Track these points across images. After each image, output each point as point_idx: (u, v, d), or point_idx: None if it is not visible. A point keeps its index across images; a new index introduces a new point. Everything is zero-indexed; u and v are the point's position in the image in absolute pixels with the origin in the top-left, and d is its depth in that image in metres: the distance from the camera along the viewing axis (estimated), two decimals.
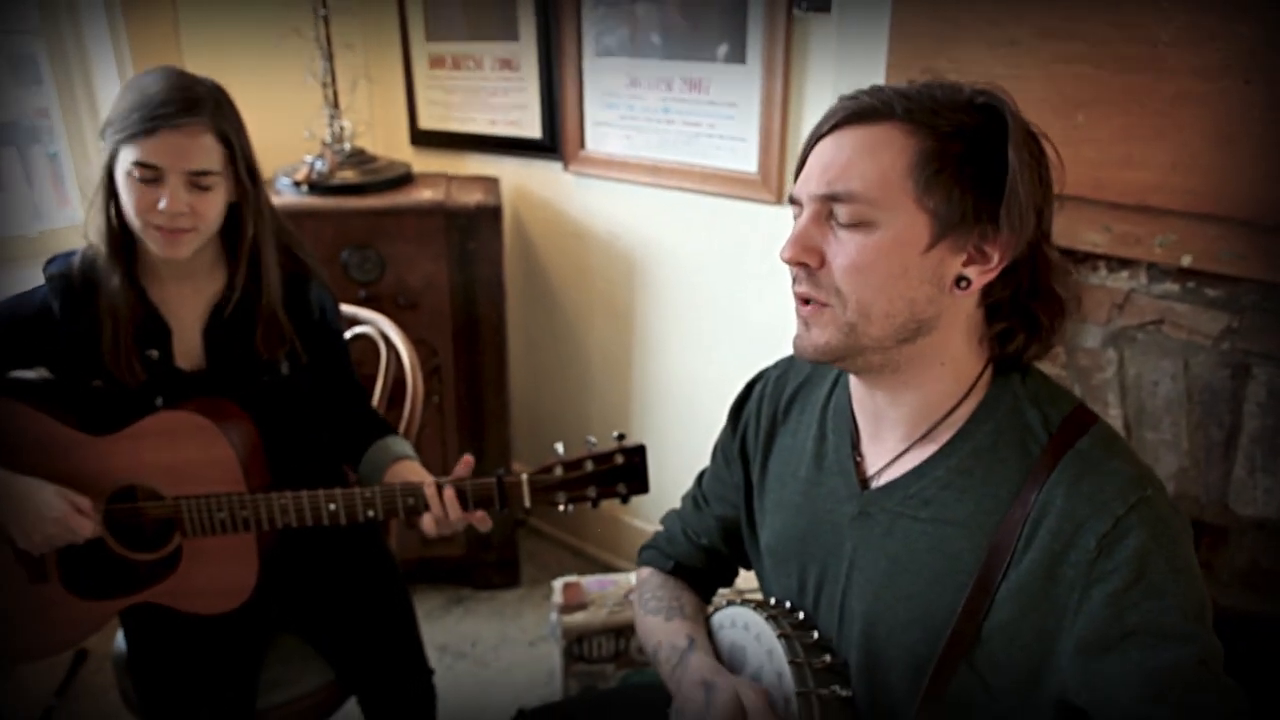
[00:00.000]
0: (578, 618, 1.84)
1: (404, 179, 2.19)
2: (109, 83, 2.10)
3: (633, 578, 1.93)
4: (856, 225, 0.81)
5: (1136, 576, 0.75)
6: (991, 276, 0.83)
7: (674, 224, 2.11)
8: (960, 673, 0.83)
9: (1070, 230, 1.31)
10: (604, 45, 2.06)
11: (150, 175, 1.22)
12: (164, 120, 1.20)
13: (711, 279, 2.09)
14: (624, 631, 1.84)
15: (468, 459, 1.31)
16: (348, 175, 2.11)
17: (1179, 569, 0.76)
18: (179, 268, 1.34)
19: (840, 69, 1.49)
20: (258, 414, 1.37)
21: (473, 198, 2.10)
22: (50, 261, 1.34)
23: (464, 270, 2.10)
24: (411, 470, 1.41)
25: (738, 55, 1.85)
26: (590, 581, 1.93)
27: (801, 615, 0.97)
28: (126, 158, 1.22)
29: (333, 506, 1.30)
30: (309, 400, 1.45)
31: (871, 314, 0.82)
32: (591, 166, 2.19)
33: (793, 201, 0.87)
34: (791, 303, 0.88)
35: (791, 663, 0.90)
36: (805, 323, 0.86)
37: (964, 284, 0.82)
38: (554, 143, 2.24)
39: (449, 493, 1.27)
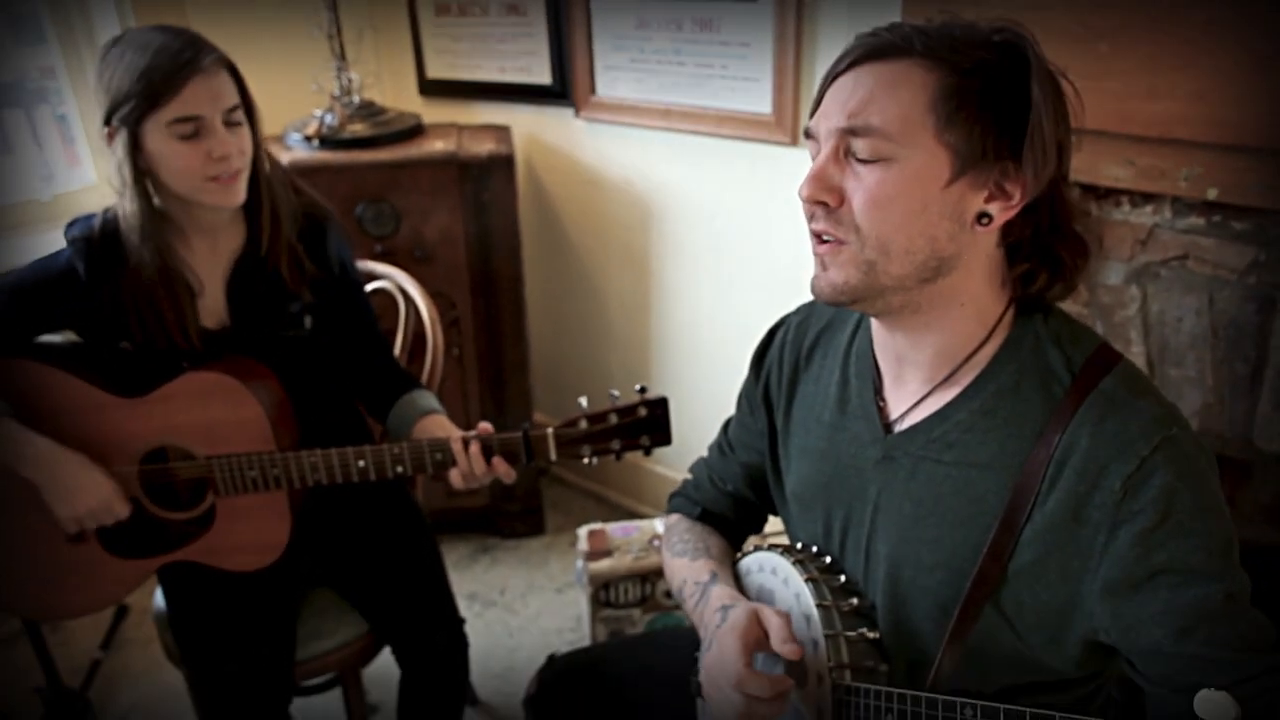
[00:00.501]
0: (603, 564, 1.87)
1: (415, 130, 2.17)
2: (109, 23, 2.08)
3: (657, 524, 1.97)
4: (876, 160, 0.79)
5: (1163, 516, 0.75)
6: (1013, 213, 0.81)
7: (689, 168, 2.09)
8: (986, 614, 0.84)
9: (1092, 165, 1.28)
10: None
11: (190, 129, 1.21)
12: (190, 67, 1.19)
13: (729, 223, 2.07)
14: (649, 577, 1.87)
15: (486, 425, 1.32)
16: (358, 128, 2.09)
17: (1205, 507, 0.76)
18: (202, 225, 1.34)
19: (854, 3, 1.45)
20: (283, 372, 1.39)
21: (485, 147, 2.08)
22: (71, 224, 1.35)
23: (479, 221, 2.09)
24: (439, 425, 1.43)
25: None
26: (615, 528, 1.96)
27: (828, 559, 0.98)
28: (160, 121, 1.20)
29: (362, 463, 1.31)
30: (333, 356, 1.47)
31: (891, 251, 0.81)
32: (603, 112, 2.17)
33: (808, 136, 0.85)
34: (808, 248, 0.87)
35: (819, 605, 0.91)
36: (822, 262, 0.85)
37: (985, 220, 0.81)
38: (564, 89, 2.21)
39: (475, 447, 1.29)
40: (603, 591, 1.87)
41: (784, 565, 0.99)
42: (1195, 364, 1.33)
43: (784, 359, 1.06)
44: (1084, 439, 0.79)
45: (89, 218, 1.35)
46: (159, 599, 1.52)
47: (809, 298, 0.94)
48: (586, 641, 2.05)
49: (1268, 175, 1.15)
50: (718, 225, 2.10)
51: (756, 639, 0.88)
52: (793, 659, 0.86)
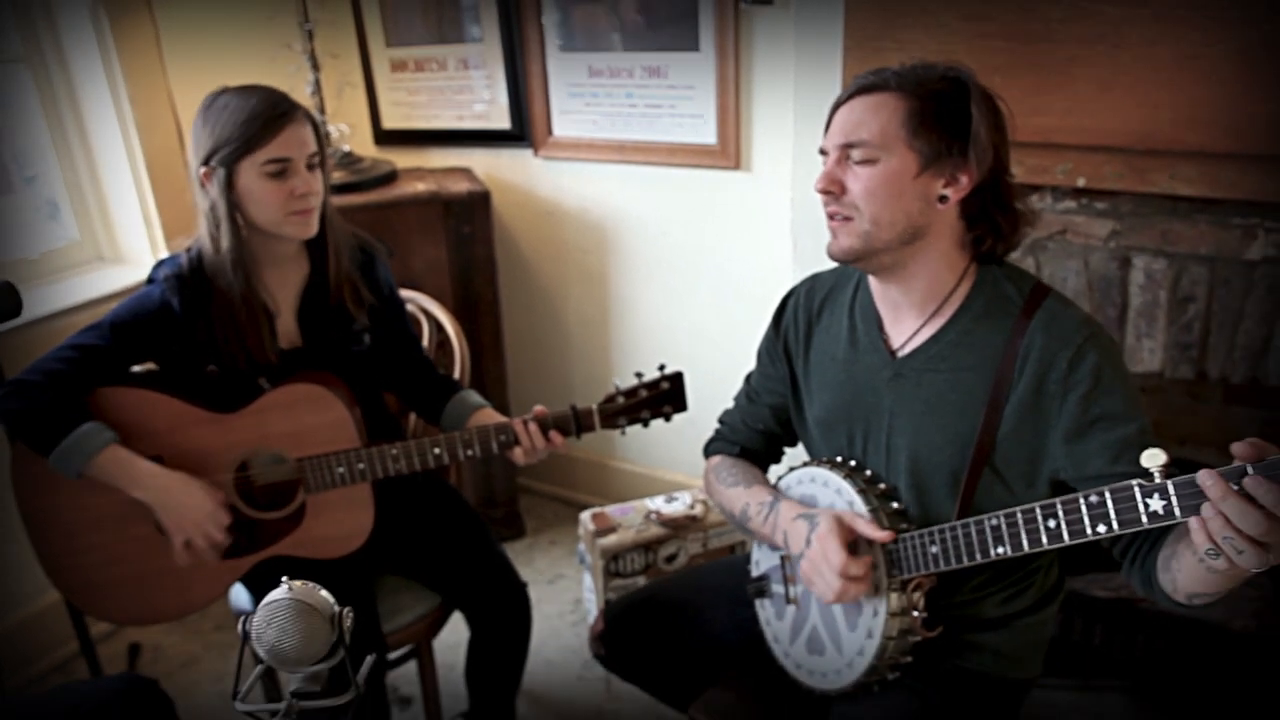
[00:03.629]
0: (611, 539, 2.14)
1: (391, 175, 2.41)
2: (102, 106, 2.22)
3: (648, 502, 2.25)
4: (866, 162, 1.15)
5: (1095, 381, 1.11)
6: (964, 194, 1.16)
7: (642, 195, 2.41)
8: (984, 476, 1.18)
9: None
10: (565, 41, 2.33)
11: (280, 168, 1.43)
12: (286, 117, 1.42)
13: (679, 240, 2.40)
14: (650, 546, 2.15)
15: (541, 407, 1.58)
16: (342, 176, 2.31)
17: (1122, 375, 1.14)
18: (275, 257, 1.55)
19: (800, 48, 1.82)
20: (350, 384, 1.60)
21: (462, 186, 2.34)
22: (159, 265, 1.53)
23: (461, 252, 2.34)
24: (489, 415, 1.68)
25: (691, 44, 2.16)
26: (613, 509, 2.23)
27: (853, 462, 1.31)
28: (255, 162, 1.42)
29: (438, 450, 1.54)
30: (386, 368, 1.69)
31: (880, 223, 1.15)
32: (560, 150, 2.47)
33: (821, 152, 1.20)
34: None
35: (859, 491, 1.24)
36: (834, 233, 1.20)
37: (943, 200, 1.16)
38: (523, 131, 2.50)
39: (534, 426, 1.54)
40: (612, 563, 2.13)
41: (822, 472, 1.31)
42: None
43: (798, 318, 1.39)
44: (1038, 338, 1.14)
45: (175, 258, 1.53)
46: (235, 599, 1.68)
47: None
48: (589, 621, 2.29)
49: (1118, 166, 1.58)
50: (668, 243, 2.42)
51: (848, 535, 1.19)
52: (886, 542, 1.18)
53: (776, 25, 2.02)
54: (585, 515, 2.22)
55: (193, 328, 1.51)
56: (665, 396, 1.58)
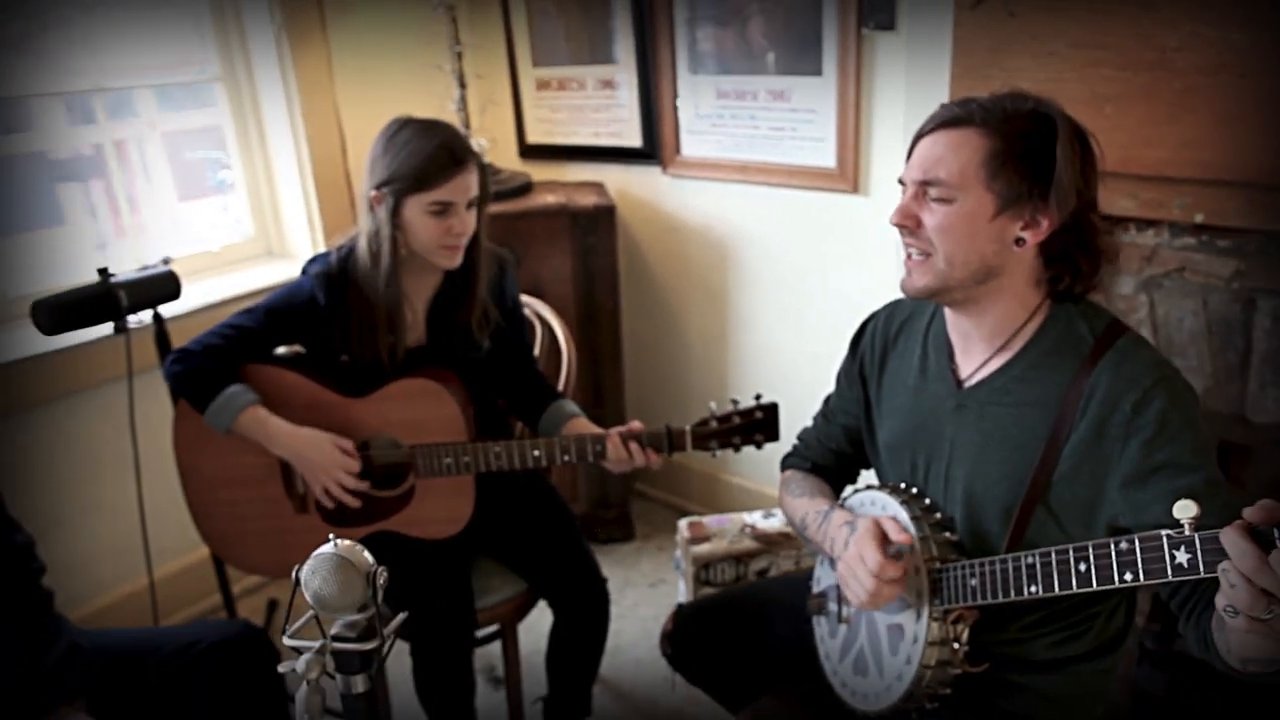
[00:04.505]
0: (704, 548, 2.19)
1: (526, 187, 2.57)
2: (279, 119, 2.50)
3: (745, 516, 2.29)
4: (942, 200, 1.15)
5: (1160, 428, 1.07)
6: (1042, 238, 1.14)
7: (762, 215, 2.46)
8: (1037, 514, 1.16)
9: (1105, 199, 1.60)
10: (695, 64, 2.42)
11: (442, 209, 1.58)
12: (455, 167, 1.57)
13: (796, 260, 2.44)
14: (742, 558, 2.19)
15: (638, 424, 1.66)
16: None
17: (1189, 423, 1.09)
18: (417, 270, 1.70)
19: (910, 76, 1.83)
20: (464, 382, 1.75)
21: (589, 200, 2.47)
22: (312, 261, 1.72)
23: (585, 262, 2.47)
24: (583, 425, 1.78)
25: (814, 69, 2.20)
26: (710, 519, 2.29)
27: (914, 490, 1.31)
28: (422, 200, 1.57)
29: (537, 453, 1.65)
30: (499, 372, 1.83)
31: (955, 262, 1.15)
32: (687, 169, 2.56)
33: (900, 182, 1.21)
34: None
35: (913, 518, 1.24)
36: (909, 270, 1.20)
37: (1020, 243, 1.14)
38: (653, 149, 2.60)
39: (633, 443, 1.63)
40: (703, 571, 2.19)
41: (882, 496, 1.32)
42: (1195, 356, 1.66)
43: (875, 344, 1.40)
44: (1104, 379, 1.12)
45: (325, 255, 1.72)
46: None
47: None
48: None
49: (1240, 203, 1.49)
50: (787, 262, 2.46)
51: (881, 537, 1.20)
52: (906, 544, 1.19)
53: (896, 51, 2.03)
54: (683, 523, 2.28)
55: (332, 321, 1.69)
56: (758, 425, 1.64)
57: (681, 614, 1.62)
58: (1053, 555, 1.03)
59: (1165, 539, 0.90)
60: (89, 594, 2.30)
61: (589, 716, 1.99)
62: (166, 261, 1.85)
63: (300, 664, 0.89)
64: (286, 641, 0.93)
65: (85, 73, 2.29)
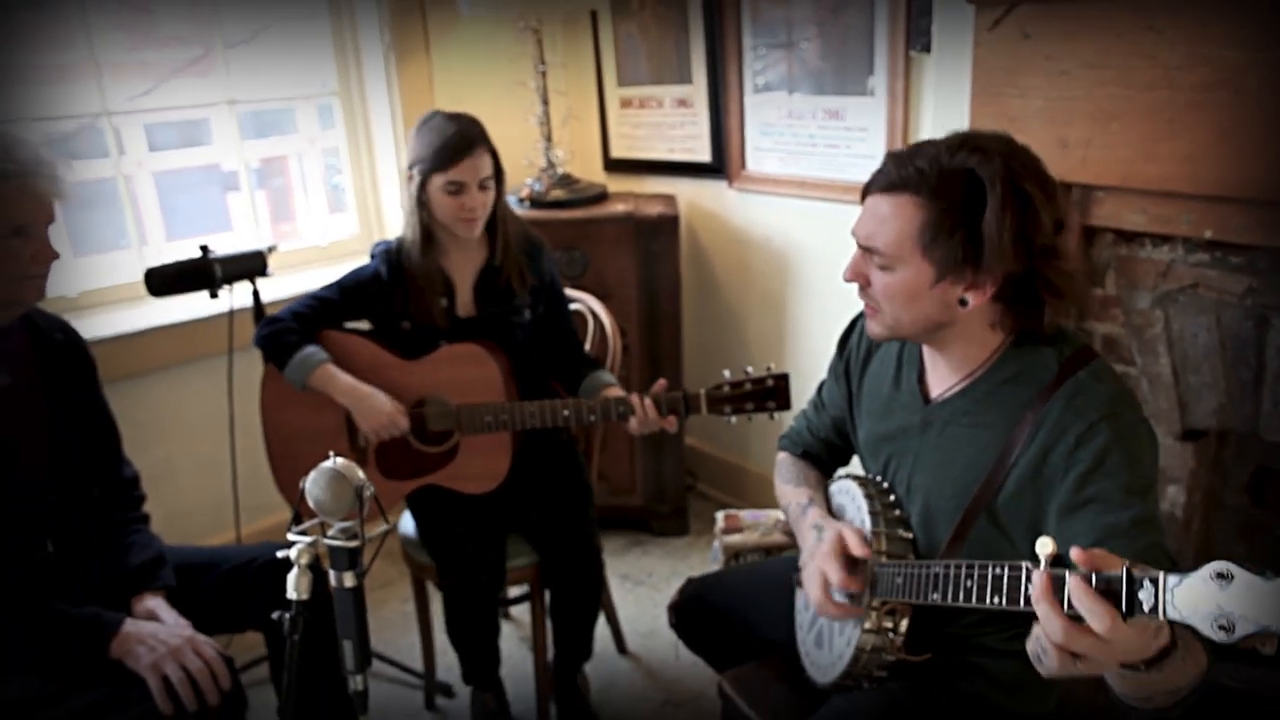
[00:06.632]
0: (735, 538, 2.31)
1: (601, 196, 2.77)
2: (384, 128, 2.79)
3: (779, 513, 2.38)
4: (883, 267, 1.18)
5: (1096, 464, 1.09)
6: (986, 299, 1.15)
7: (821, 229, 2.56)
8: (981, 525, 1.21)
9: (1116, 214, 1.68)
10: (760, 84, 2.56)
11: (456, 188, 1.83)
12: (465, 151, 1.81)
13: None
14: (772, 551, 2.29)
15: (663, 381, 1.81)
16: (558, 194, 2.71)
17: (1128, 461, 1.08)
18: (461, 244, 1.93)
19: (938, 94, 1.91)
20: (508, 349, 1.95)
21: (655, 210, 2.64)
22: (378, 244, 1.98)
23: (648, 268, 2.64)
24: (616, 392, 1.94)
25: (866, 89, 2.30)
26: (746, 513, 2.40)
27: (885, 485, 1.39)
28: (439, 180, 1.82)
29: (566, 412, 1.83)
30: (542, 341, 2.02)
31: (902, 321, 1.21)
32: (751, 183, 2.69)
33: (854, 235, 1.23)
34: None
35: (871, 513, 1.33)
36: (869, 318, 1.28)
37: (965, 304, 1.16)
38: (721, 164, 2.75)
39: (648, 401, 1.78)
40: (733, 560, 2.30)
41: (854, 488, 1.40)
42: (1210, 372, 1.67)
43: (861, 344, 1.49)
44: (1056, 410, 1.13)
45: (387, 242, 1.97)
46: (405, 526, 2.08)
47: None
48: None
49: (1246, 219, 1.51)
50: (841, 275, 2.54)
51: (841, 553, 1.28)
52: (864, 558, 1.27)
53: (941, 71, 2.11)
54: (720, 514, 2.40)
55: (393, 291, 1.93)
56: (769, 393, 1.76)
57: (688, 588, 1.74)
58: (952, 569, 1.08)
59: (1024, 570, 0.95)
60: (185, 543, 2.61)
61: (589, 657, 2.17)
62: (271, 250, 2.14)
63: (293, 551, 1.09)
64: (290, 536, 1.13)
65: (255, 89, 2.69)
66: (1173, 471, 1.80)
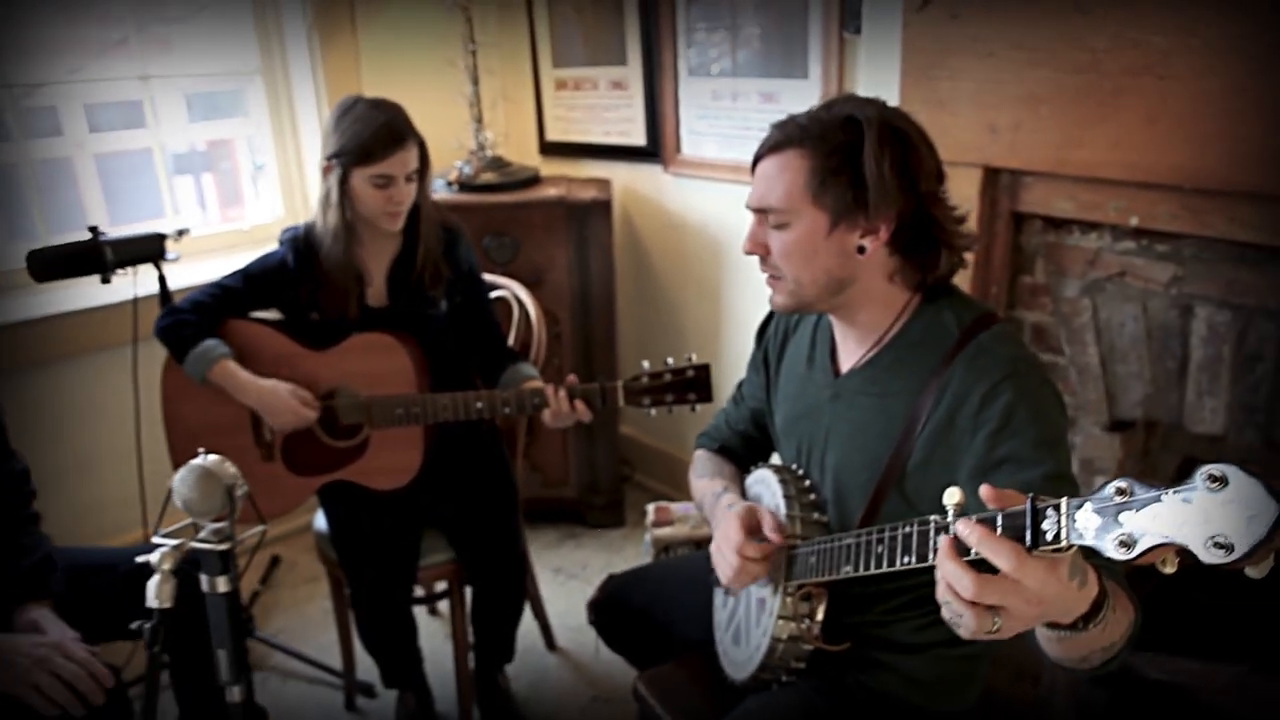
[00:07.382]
0: (666, 531, 2.25)
1: (533, 180, 2.68)
2: (309, 109, 2.68)
3: None
4: (779, 226, 1.18)
5: (1005, 421, 1.08)
6: (882, 242, 1.15)
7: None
8: (893, 499, 1.18)
9: (1046, 200, 1.64)
10: (695, 67, 2.49)
11: (384, 182, 1.73)
12: (394, 145, 1.71)
13: None
14: (702, 543, 2.24)
15: (572, 377, 1.75)
16: (488, 177, 2.62)
17: (1036, 417, 1.08)
18: (377, 234, 1.84)
19: (870, 77, 1.87)
20: (422, 340, 1.87)
21: (588, 194, 2.57)
22: (285, 231, 1.88)
23: (581, 254, 2.57)
24: (537, 385, 1.87)
25: (801, 72, 2.25)
26: (678, 506, 2.35)
27: (800, 471, 1.35)
28: (366, 173, 1.72)
29: (480, 405, 1.75)
30: (458, 332, 1.94)
31: (803, 281, 1.19)
32: (686, 168, 2.63)
33: (748, 207, 1.24)
34: None
35: (785, 497, 1.29)
36: (771, 289, 1.25)
37: (863, 250, 1.16)
38: (656, 149, 2.69)
39: (562, 393, 1.71)
40: (664, 553, 2.25)
41: (768, 475, 1.36)
42: (1136, 361, 1.65)
43: (777, 333, 1.45)
44: (959, 371, 1.13)
45: (295, 228, 1.87)
46: (318, 522, 1.99)
47: None
48: None
49: (1173, 206, 1.49)
50: None
51: (752, 525, 1.25)
52: (778, 543, 1.23)
53: (875, 55, 2.06)
54: (651, 506, 2.35)
55: (300, 281, 1.84)
56: (689, 384, 1.69)
57: (608, 585, 1.69)
58: (863, 537, 1.06)
59: (932, 525, 0.92)
60: (89, 542, 2.49)
61: (510, 660, 2.13)
62: (181, 233, 2.03)
63: (155, 556, 1.00)
64: (155, 539, 1.04)
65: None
66: (1101, 463, 1.78)
